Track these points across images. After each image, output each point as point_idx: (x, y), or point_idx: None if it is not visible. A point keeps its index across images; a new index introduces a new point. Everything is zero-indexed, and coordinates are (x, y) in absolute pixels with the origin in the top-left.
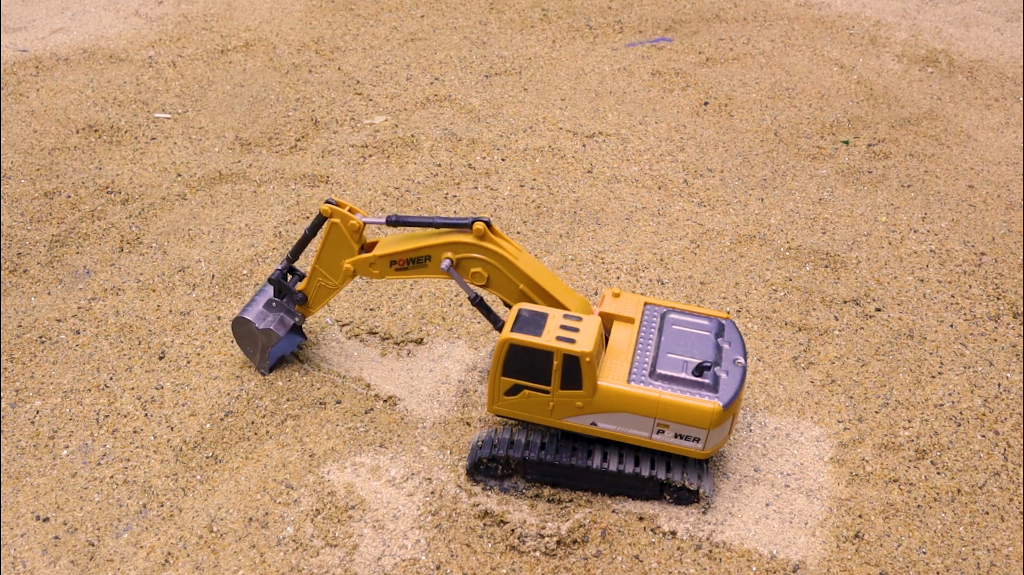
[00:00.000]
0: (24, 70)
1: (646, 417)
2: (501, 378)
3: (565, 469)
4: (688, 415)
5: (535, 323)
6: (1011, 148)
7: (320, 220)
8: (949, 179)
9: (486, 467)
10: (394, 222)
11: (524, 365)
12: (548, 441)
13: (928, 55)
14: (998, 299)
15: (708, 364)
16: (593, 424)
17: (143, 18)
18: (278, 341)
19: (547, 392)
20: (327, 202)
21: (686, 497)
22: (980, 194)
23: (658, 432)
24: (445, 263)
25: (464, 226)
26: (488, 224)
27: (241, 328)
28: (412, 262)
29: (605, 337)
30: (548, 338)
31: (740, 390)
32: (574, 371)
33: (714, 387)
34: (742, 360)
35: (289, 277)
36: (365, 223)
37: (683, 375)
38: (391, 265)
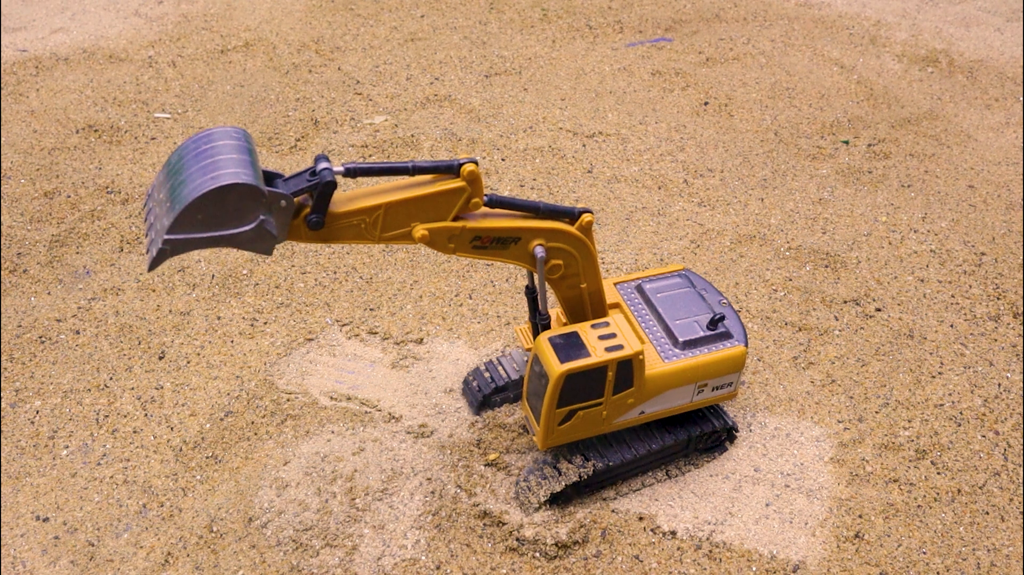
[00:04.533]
0: (24, 70)
1: (688, 385)
2: (556, 411)
3: (612, 470)
4: (723, 367)
5: (575, 344)
6: (1011, 148)
7: (444, 168)
8: (949, 179)
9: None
10: (496, 202)
11: (579, 388)
12: (591, 453)
13: (928, 55)
14: (998, 299)
15: (720, 315)
16: (642, 413)
17: (143, 18)
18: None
19: (600, 403)
20: (474, 161)
21: (723, 438)
22: (980, 194)
23: (698, 393)
24: (540, 251)
25: (570, 215)
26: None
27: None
28: (497, 242)
29: None
30: (600, 353)
31: (743, 326)
32: (627, 373)
33: (729, 333)
34: (725, 300)
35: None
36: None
37: (703, 333)
38: (472, 241)
